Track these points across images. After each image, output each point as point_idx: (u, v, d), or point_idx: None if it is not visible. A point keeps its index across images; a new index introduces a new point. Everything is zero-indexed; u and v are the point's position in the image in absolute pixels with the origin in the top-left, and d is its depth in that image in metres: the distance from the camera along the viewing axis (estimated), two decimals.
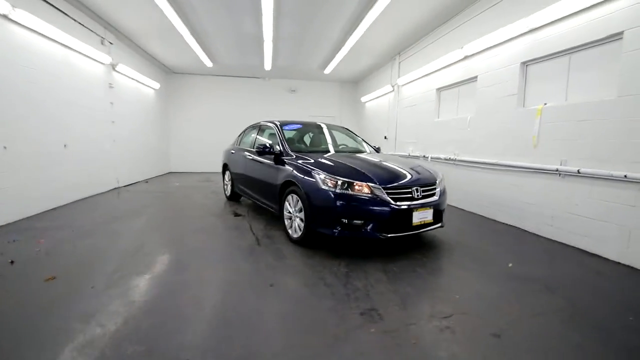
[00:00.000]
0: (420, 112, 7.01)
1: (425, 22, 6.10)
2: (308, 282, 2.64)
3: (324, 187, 3.13)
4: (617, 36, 3.18)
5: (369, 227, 3.02)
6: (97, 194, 6.32)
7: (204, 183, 8.42)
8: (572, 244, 3.64)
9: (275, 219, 4.63)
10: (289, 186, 3.65)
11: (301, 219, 3.41)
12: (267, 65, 9.11)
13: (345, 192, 3.05)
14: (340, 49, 7.57)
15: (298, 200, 3.45)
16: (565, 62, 3.80)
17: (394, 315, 2.14)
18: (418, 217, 3.14)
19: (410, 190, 3.19)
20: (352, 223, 3.02)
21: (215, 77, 10.95)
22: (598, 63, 3.44)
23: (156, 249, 3.39)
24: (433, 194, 3.38)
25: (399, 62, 8.08)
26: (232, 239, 3.74)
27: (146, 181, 8.51)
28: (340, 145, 4.75)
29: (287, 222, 3.73)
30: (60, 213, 4.78)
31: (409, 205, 3.11)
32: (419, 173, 3.54)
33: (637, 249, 3.00)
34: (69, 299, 2.29)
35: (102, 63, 6.46)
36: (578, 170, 3.48)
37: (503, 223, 4.63)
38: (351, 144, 4.84)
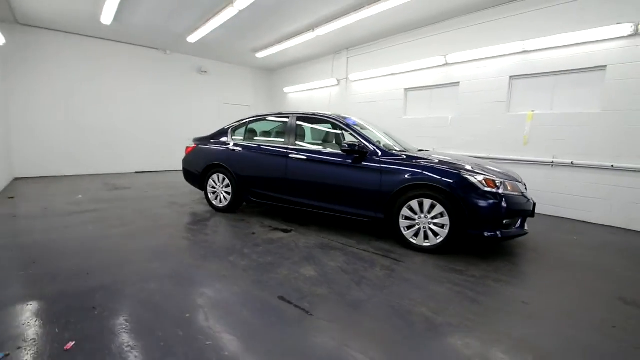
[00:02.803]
0: (383, 109, 7.43)
1: (398, 25, 6.46)
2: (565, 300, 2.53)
3: (483, 188, 3.00)
4: (601, 67, 4.52)
5: (518, 224, 3.17)
6: None
7: (122, 192, 5.90)
8: (561, 216, 4.98)
9: (344, 227, 3.96)
10: (410, 191, 3.25)
11: (436, 225, 3.15)
12: (196, 37, 7.17)
13: (505, 192, 3.05)
14: (302, 34, 6.92)
15: (433, 205, 3.14)
16: (551, 80, 5.04)
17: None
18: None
19: (524, 185, 3.53)
20: (508, 222, 3.07)
21: (96, 40, 7.68)
22: (582, 84, 4.77)
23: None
24: None
25: (347, 58, 8.19)
26: (364, 263, 2.97)
27: (12, 197, 5.14)
28: (398, 142, 4.38)
29: (405, 231, 3.33)
30: None
31: (532, 198, 3.44)
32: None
33: (617, 214, 4.48)
34: None
35: None
36: (572, 162, 4.78)
37: None
38: (405, 140, 4.63)
